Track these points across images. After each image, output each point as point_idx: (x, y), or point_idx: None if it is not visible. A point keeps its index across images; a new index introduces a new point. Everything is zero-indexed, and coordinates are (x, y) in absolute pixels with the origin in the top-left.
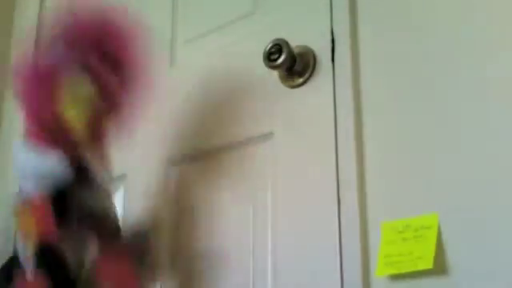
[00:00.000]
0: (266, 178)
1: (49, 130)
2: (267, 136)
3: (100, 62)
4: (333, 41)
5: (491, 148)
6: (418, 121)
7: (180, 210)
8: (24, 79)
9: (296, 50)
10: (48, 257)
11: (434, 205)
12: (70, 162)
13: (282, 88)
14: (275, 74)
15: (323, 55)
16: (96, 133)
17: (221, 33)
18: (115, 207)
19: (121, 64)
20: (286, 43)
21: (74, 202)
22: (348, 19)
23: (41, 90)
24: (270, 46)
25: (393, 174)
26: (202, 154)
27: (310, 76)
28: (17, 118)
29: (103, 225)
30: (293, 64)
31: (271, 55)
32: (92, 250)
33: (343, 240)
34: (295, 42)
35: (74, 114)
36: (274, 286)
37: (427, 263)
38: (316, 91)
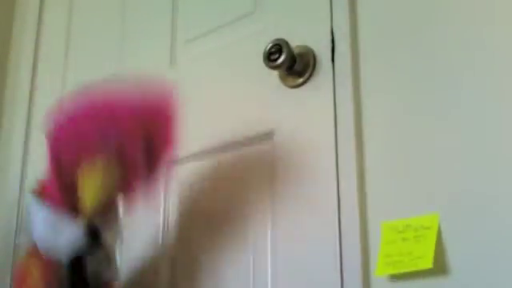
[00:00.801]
0: (265, 178)
1: (66, 191)
2: (267, 136)
3: (137, 150)
4: (333, 41)
5: (491, 148)
6: (418, 121)
7: (180, 209)
8: (61, 135)
9: (296, 50)
10: None
11: (434, 205)
12: (86, 227)
13: (282, 88)
14: (275, 73)
15: (323, 55)
16: (106, 207)
17: (221, 33)
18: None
19: (155, 155)
20: (286, 43)
21: (88, 268)
22: (348, 19)
23: (73, 152)
24: (269, 45)
25: (393, 174)
26: (202, 153)
27: (310, 76)
28: (17, 118)
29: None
30: (293, 64)
31: (271, 55)
32: None
33: (343, 240)
34: (295, 42)
35: (89, 195)
36: (274, 285)
37: (427, 263)
38: (316, 91)
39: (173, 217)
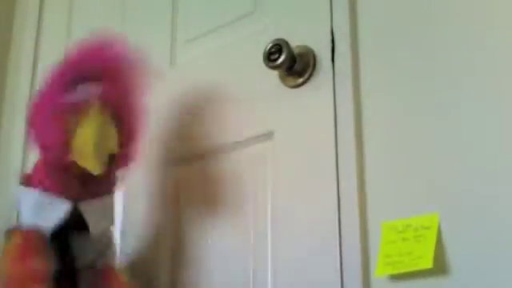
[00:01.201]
0: (266, 178)
1: (58, 171)
2: (267, 136)
3: (112, 90)
4: (333, 41)
5: (491, 148)
6: (419, 121)
7: (180, 210)
8: (39, 114)
9: (296, 50)
10: None
11: (434, 205)
12: (75, 207)
13: (282, 88)
14: (275, 73)
15: (323, 55)
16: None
17: (221, 33)
18: (114, 252)
19: (129, 91)
20: (286, 43)
21: (74, 245)
22: (348, 19)
23: (56, 125)
24: (269, 45)
25: (393, 174)
26: (202, 154)
27: (310, 76)
28: (17, 118)
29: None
30: (293, 64)
31: (271, 55)
32: None
33: (343, 240)
34: (295, 42)
35: (91, 155)
36: (274, 285)
37: (427, 263)
38: (316, 91)
39: (173, 217)
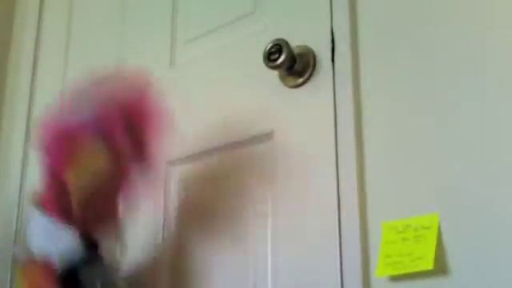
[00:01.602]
0: (265, 178)
1: (61, 197)
2: (267, 136)
3: (123, 135)
4: (333, 41)
5: (491, 148)
6: (419, 121)
7: (180, 210)
8: (48, 136)
9: (296, 50)
10: None
11: (434, 205)
12: (82, 238)
13: (282, 88)
14: (275, 73)
15: (323, 55)
16: (101, 207)
17: (221, 33)
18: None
19: (141, 141)
20: (286, 43)
21: (84, 280)
22: (348, 19)
23: (61, 150)
24: (269, 45)
25: (393, 173)
26: (202, 153)
27: (310, 76)
28: (17, 118)
29: None
30: (293, 64)
31: (271, 55)
32: None
33: (343, 240)
34: (295, 42)
35: (79, 182)
36: (274, 285)
37: (427, 264)
38: (316, 91)
39: (173, 217)
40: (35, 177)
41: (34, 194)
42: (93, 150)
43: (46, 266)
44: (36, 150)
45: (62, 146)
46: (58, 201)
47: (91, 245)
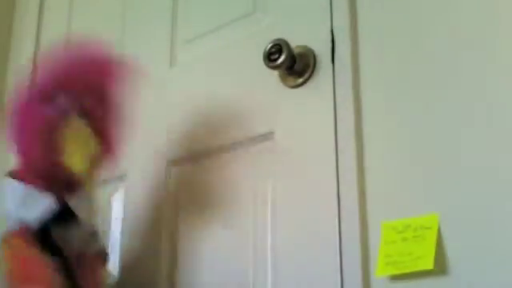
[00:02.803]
0: (266, 178)
1: (42, 175)
2: (267, 136)
3: (95, 104)
4: (333, 41)
5: (491, 148)
6: (418, 121)
7: (180, 210)
8: (21, 128)
9: (296, 50)
10: None
11: (434, 205)
12: (58, 201)
13: (282, 88)
14: (275, 73)
15: (323, 55)
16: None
17: (221, 33)
18: (101, 243)
19: (111, 103)
20: (286, 43)
21: (59, 239)
22: (348, 19)
23: (41, 142)
24: (270, 45)
25: (393, 173)
26: (202, 154)
27: (310, 76)
28: None
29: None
30: (293, 64)
31: (271, 55)
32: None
33: (343, 240)
34: (295, 42)
35: (78, 160)
36: (274, 285)
37: (427, 263)
38: (316, 91)
39: (173, 217)
40: None
41: (10, 170)
42: (76, 126)
43: (23, 229)
44: (8, 124)
45: (43, 136)
46: (33, 173)
47: (66, 207)
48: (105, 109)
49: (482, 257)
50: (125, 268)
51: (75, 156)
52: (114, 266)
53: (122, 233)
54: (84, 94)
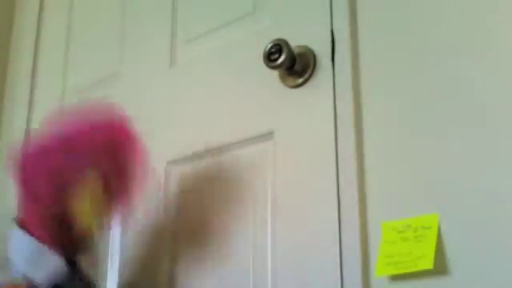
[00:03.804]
0: (266, 178)
1: (49, 224)
2: (267, 136)
3: (110, 165)
4: (333, 41)
5: (491, 148)
6: (419, 120)
7: (180, 210)
8: (36, 174)
9: (296, 50)
10: None
11: (433, 205)
12: (66, 260)
13: (282, 88)
14: (275, 73)
15: (323, 55)
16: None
17: (221, 33)
18: None
19: (127, 166)
20: (286, 43)
21: None
22: (348, 19)
23: (54, 188)
24: (270, 46)
25: (393, 174)
26: (202, 154)
27: (310, 76)
28: (17, 118)
29: None
30: (293, 64)
31: (271, 55)
32: None
33: (343, 240)
34: (295, 42)
35: (88, 211)
36: (275, 285)
37: (427, 263)
38: (316, 91)
39: (173, 217)
40: None
41: (16, 217)
42: (91, 182)
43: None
44: (14, 176)
45: (46, 170)
46: (42, 224)
47: (72, 262)
48: (119, 171)
49: (482, 257)
50: (126, 268)
51: (86, 212)
52: (113, 268)
53: (122, 233)
54: (102, 155)
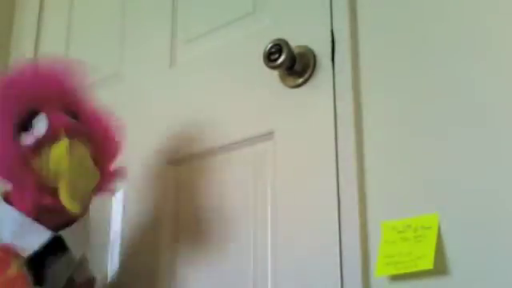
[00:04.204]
0: (266, 178)
1: (34, 194)
2: (267, 136)
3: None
4: (333, 41)
5: (491, 148)
6: (419, 120)
7: (180, 210)
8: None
9: (296, 50)
10: None
11: (433, 205)
12: (52, 233)
13: (282, 88)
14: (275, 73)
15: (323, 55)
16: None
17: (221, 33)
18: (89, 270)
19: (89, 111)
20: (286, 43)
21: (49, 271)
22: (348, 19)
23: (20, 182)
24: (270, 46)
25: (393, 174)
26: (202, 154)
27: (310, 76)
28: None
29: None
30: (293, 64)
31: (271, 55)
32: None
33: (343, 240)
34: (295, 42)
35: (72, 197)
36: (275, 285)
37: (427, 263)
38: (316, 91)
39: (173, 217)
40: None
41: (3, 192)
42: (75, 147)
43: (13, 253)
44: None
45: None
46: (27, 196)
47: (59, 240)
48: (87, 117)
49: (482, 257)
50: (124, 265)
51: (69, 192)
52: (113, 263)
53: (122, 232)
54: (51, 105)
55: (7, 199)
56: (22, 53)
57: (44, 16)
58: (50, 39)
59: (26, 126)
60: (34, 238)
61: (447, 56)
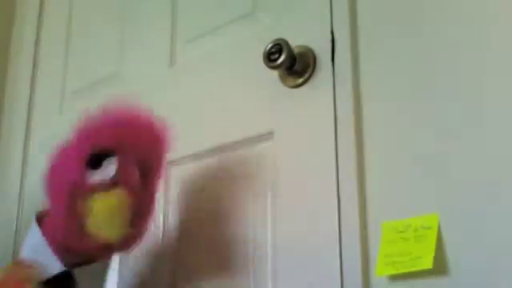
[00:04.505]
0: (266, 178)
1: (62, 227)
2: (267, 136)
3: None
4: (333, 41)
5: (491, 148)
6: (419, 120)
7: (180, 210)
8: (55, 189)
9: (296, 50)
10: None
11: (433, 205)
12: (64, 266)
13: (282, 88)
14: (275, 74)
15: (323, 55)
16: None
17: (221, 33)
18: None
19: (157, 174)
20: (286, 43)
21: None
22: (348, 19)
23: (66, 208)
24: (270, 45)
25: (393, 174)
26: (202, 154)
27: (310, 76)
28: (17, 118)
29: None
30: (293, 64)
31: (271, 55)
32: None
33: (343, 240)
34: (295, 42)
35: (108, 227)
36: (275, 285)
37: (427, 263)
38: (316, 91)
39: (173, 217)
40: (35, 177)
41: (41, 210)
42: (119, 198)
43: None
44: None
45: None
46: (58, 231)
47: (68, 275)
48: (150, 180)
49: (482, 257)
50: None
51: (105, 224)
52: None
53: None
54: (141, 158)
55: (40, 219)
56: (22, 52)
57: (44, 16)
58: (49, 39)
59: (94, 161)
60: (45, 264)
61: (448, 56)
